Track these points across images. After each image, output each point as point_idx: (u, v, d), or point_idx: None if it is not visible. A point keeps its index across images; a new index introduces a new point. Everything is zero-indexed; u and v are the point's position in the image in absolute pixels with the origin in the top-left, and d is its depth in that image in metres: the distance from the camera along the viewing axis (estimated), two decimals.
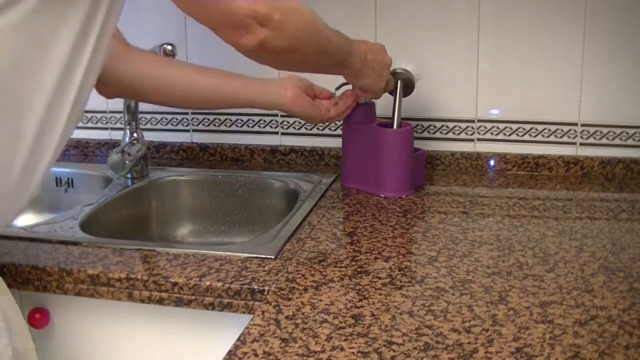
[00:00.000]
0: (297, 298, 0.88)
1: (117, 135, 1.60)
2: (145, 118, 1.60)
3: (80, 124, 1.64)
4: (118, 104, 1.47)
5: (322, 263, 0.99)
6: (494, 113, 1.43)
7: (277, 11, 0.80)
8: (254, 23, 0.79)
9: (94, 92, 1.23)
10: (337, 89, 1.31)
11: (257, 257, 1.02)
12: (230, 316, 0.94)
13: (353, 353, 0.75)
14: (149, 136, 1.53)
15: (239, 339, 0.79)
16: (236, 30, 0.80)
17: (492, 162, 1.43)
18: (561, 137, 1.41)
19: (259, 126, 1.55)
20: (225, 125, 1.57)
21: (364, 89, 1.21)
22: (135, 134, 1.44)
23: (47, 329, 1.06)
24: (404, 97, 1.31)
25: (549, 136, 1.41)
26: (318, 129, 1.52)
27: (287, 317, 0.83)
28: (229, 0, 0.78)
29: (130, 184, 1.40)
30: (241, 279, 0.95)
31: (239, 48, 0.82)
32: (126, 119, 1.44)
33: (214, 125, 1.57)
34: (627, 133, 1.37)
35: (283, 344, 0.77)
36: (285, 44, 0.84)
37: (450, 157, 1.45)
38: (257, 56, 0.85)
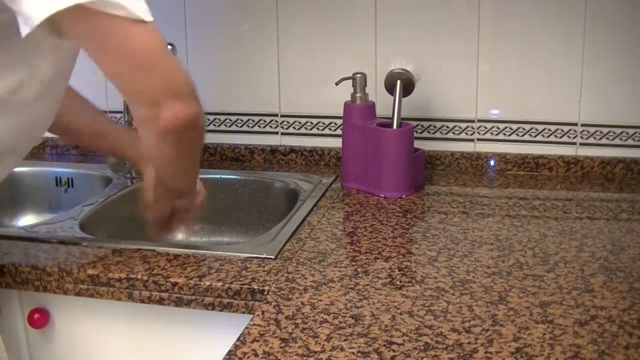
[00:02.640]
0: (297, 298, 0.88)
1: None
2: None
3: None
4: (118, 103, 1.47)
5: (322, 263, 0.99)
6: (494, 113, 1.43)
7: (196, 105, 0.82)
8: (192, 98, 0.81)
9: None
10: (337, 83, 1.31)
11: (257, 257, 1.02)
12: (230, 316, 0.94)
13: (353, 353, 0.75)
14: None
15: (239, 339, 0.79)
16: (177, 101, 0.79)
17: (492, 162, 1.43)
18: (561, 137, 1.41)
19: (259, 126, 1.55)
20: (225, 125, 1.57)
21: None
22: None
23: (47, 329, 1.06)
24: (404, 97, 1.31)
25: (549, 136, 1.41)
26: (318, 129, 1.52)
27: (287, 317, 0.83)
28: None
29: (130, 184, 1.40)
30: (241, 279, 0.95)
31: (173, 121, 0.80)
32: (126, 119, 1.44)
33: (214, 125, 1.57)
34: (627, 133, 1.37)
35: (283, 344, 0.77)
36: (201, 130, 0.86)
37: (450, 157, 1.45)
38: (178, 133, 0.82)
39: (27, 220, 1.48)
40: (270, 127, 1.54)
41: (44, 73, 0.86)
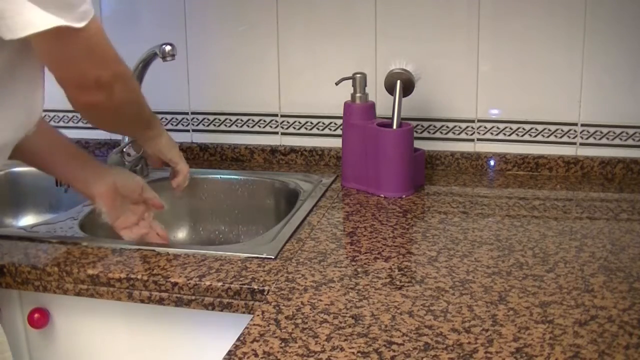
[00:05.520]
0: (297, 298, 0.88)
1: (117, 135, 1.60)
2: None
3: (80, 124, 1.64)
4: None
5: (322, 263, 0.99)
6: (494, 113, 1.43)
7: (116, 81, 0.92)
8: (94, 87, 0.90)
9: None
10: (337, 83, 1.31)
11: (257, 257, 1.02)
12: (230, 316, 0.94)
13: (353, 353, 0.75)
14: None
15: (239, 339, 0.79)
16: (79, 90, 0.91)
17: (492, 162, 1.43)
18: (561, 137, 1.41)
19: (259, 126, 1.55)
20: (225, 125, 1.57)
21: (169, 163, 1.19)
22: None
23: (47, 329, 1.06)
24: (404, 97, 1.31)
25: (549, 136, 1.41)
26: (318, 129, 1.52)
27: (287, 317, 0.83)
28: (80, 67, 0.89)
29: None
30: (241, 279, 0.95)
31: (76, 104, 0.93)
32: None
33: (214, 125, 1.57)
34: (627, 133, 1.37)
35: (283, 344, 0.77)
36: (113, 108, 0.95)
37: (450, 157, 1.45)
38: (87, 113, 0.98)
39: (27, 220, 1.48)
40: (270, 127, 1.54)
41: None
